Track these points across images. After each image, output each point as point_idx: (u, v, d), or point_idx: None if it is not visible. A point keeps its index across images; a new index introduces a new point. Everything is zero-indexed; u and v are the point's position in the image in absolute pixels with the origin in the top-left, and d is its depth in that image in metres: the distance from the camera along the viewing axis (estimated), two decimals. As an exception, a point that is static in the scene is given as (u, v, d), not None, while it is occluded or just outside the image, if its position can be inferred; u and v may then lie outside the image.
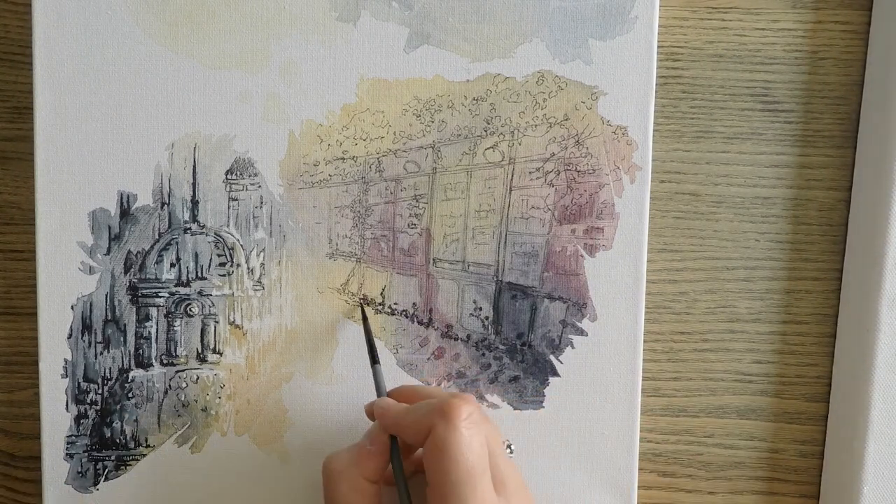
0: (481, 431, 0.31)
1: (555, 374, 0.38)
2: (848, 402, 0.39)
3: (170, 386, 0.37)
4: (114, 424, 0.37)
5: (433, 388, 0.37)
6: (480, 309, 0.37)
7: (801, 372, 0.40)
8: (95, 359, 0.37)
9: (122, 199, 0.36)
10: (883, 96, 0.37)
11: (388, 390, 0.36)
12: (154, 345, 0.37)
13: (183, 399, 0.37)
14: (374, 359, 0.36)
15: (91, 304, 0.36)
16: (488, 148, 0.37)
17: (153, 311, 0.37)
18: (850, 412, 0.38)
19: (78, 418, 0.37)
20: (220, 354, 0.37)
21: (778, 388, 0.40)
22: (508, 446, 0.36)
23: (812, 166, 0.40)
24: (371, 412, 0.35)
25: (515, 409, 0.38)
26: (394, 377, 0.37)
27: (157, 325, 0.37)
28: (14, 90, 0.38)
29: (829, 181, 0.40)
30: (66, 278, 0.36)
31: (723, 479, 0.41)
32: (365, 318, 0.37)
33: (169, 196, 0.37)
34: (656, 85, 0.37)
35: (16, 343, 0.39)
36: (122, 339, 0.37)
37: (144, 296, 0.37)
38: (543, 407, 0.38)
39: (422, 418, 0.31)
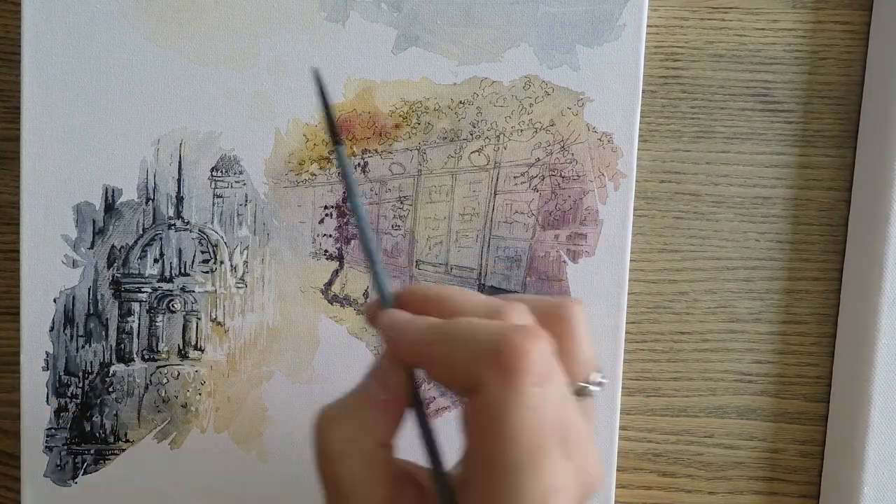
0: (554, 384, 0.21)
1: (535, 379, 0.38)
2: (848, 402, 0.39)
3: (150, 381, 0.37)
4: (94, 418, 0.37)
5: (463, 292, 0.24)
6: (462, 312, 0.37)
7: (801, 372, 0.40)
8: (77, 352, 0.37)
9: (106, 193, 0.36)
10: (883, 96, 0.37)
11: (392, 290, 0.25)
12: (136, 340, 0.37)
13: (163, 395, 0.37)
14: (335, 138, 0.26)
15: (74, 298, 0.37)
16: (474, 151, 0.37)
17: (135, 307, 0.37)
18: (850, 412, 0.39)
19: (58, 411, 0.37)
20: (202, 351, 0.37)
21: (778, 388, 0.40)
22: (598, 383, 0.25)
23: (812, 166, 0.40)
24: (374, 318, 0.24)
25: (495, 413, 0.38)
26: (374, 378, 0.37)
27: (140, 320, 0.37)
28: (12, 90, 0.38)
29: (829, 181, 0.40)
30: (49, 271, 0.36)
31: (723, 479, 0.41)
32: (322, 90, 0.27)
33: (154, 192, 0.37)
34: (656, 85, 0.37)
35: (16, 343, 0.39)
36: (103, 333, 0.37)
37: (127, 290, 0.37)
38: (523, 412, 0.38)
39: (466, 360, 0.21)
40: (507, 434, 0.20)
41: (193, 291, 0.37)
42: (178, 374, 0.37)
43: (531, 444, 0.21)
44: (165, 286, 0.37)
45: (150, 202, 0.37)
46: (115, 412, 0.37)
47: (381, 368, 0.24)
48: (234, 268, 0.37)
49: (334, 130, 0.26)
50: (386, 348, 0.24)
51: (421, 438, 0.23)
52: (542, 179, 0.37)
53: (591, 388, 0.24)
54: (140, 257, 0.37)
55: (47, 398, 0.37)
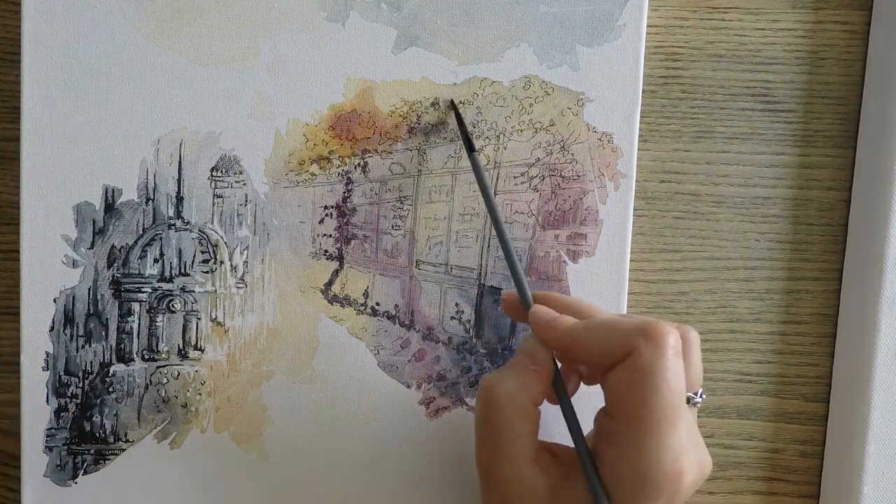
0: (682, 365, 0.28)
1: (535, 379, 0.38)
2: (848, 402, 0.39)
3: (150, 381, 0.37)
4: (94, 418, 0.37)
5: (590, 303, 0.33)
6: (462, 312, 0.37)
7: (801, 372, 0.40)
8: (77, 352, 0.37)
9: (106, 193, 0.36)
10: (883, 96, 0.38)
11: (532, 293, 0.32)
12: (136, 340, 0.37)
13: (163, 395, 0.37)
14: (469, 146, 0.34)
15: (74, 298, 0.37)
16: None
17: (135, 307, 0.37)
18: (850, 412, 0.39)
19: (58, 411, 0.37)
20: (202, 351, 0.37)
21: (778, 388, 0.40)
22: (700, 394, 0.31)
23: (812, 166, 0.40)
24: (513, 305, 0.33)
25: (495, 413, 0.38)
26: (374, 378, 0.37)
27: (140, 320, 0.37)
28: (13, 90, 0.38)
29: (829, 181, 0.40)
30: (49, 271, 0.36)
31: (723, 479, 0.41)
32: (455, 109, 0.36)
33: (154, 191, 0.37)
34: (656, 85, 0.37)
35: (16, 343, 0.39)
36: (103, 333, 0.37)
37: (127, 290, 0.37)
38: (523, 412, 0.38)
39: (616, 338, 0.28)
40: (655, 386, 0.27)
41: (193, 291, 0.37)
42: (178, 374, 0.37)
43: (672, 400, 0.27)
44: (165, 286, 0.37)
45: (150, 202, 0.37)
46: (115, 412, 0.37)
47: (529, 347, 0.31)
48: (234, 268, 0.37)
49: (468, 140, 0.35)
50: (534, 332, 0.31)
51: (561, 405, 0.30)
52: (542, 179, 0.37)
53: (696, 400, 0.31)
54: (140, 257, 0.37)
55: (47, 398, 0.37)
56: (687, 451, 0.28)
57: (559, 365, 0.32)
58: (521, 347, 0.31)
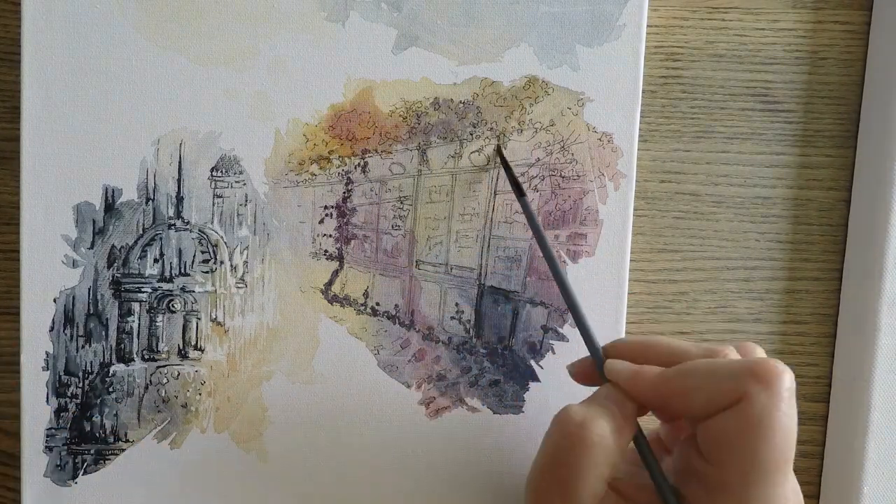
0: (795, 409, 0.26)
1: (535, 378, 0.38)
2: (848, 402, 0.39)
3: (150, 381, 0.37)
4: (94, 418, 0.37)
5: (668, 340, 0.30)
6: (462, 312, 0.37)
7: (801, 372, 0.40)
8: (77, 352, 0.37)
9: (106, 193, 0.36)
10: (883, 96, 0.38)
11: (601, 345, 0.30)
12: (136, 340, 0.37)
13: (163, 395, 0.37)
14: (520, 191, 0.34)
15: (74, 298, 0.36)
16: (474, 151, 0.37)
17: (135, 306, 0.37)
18: (850, 412, 0.39)
19: (58, 411, 0.37)
20: (202, 351, 0.37)
21: (778, 387, 0.40)
22: None
23: (812, 166, 0.40)
24: (585, 372, 0.31)
25: (495, 413, 0.38)
26: (374, 378, 0.37)
27: (140, 320, 0.37)
28: (13, 90, 0.38)
29: (829, 181, 0.40)
30: (49, 271, 0.36)
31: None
32: (502, 155, 0.36)
33: (154, 191, 0.37)
34: (656, 85, 0.37)
35: (16, 343, 0.39)
36: (103, 333, 0.37)
37: (127, 290, 0.37)
38: (523, 412, 0.38)
39: (722, 384, 0.26)
40: (768, 435, 0.25)
41: (193, 291, 0.37)
42: (178, 374, 0.37)
43: (784, 448, 0.25)
44: (165, 286, 0.37)
45: (150, 202, 0.37)
46: (115, 412, 0.37)
47: (616, 396, 0.29)
48: (234, 268, 0.37)
49: (518, 186, 0.35)
50: (614, 386, 0.29)
51: (646, 463, 0.28)
52: (542, 179, 0.37)
53: None
54: (140, 257, 0.37)
55: (47, 398, 0.37)
56: (790, 499, 0.26)
57: None
58: (606, 392, 0.29)
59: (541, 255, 0.37)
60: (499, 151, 0.36)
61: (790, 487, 0.26)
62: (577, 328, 0.32)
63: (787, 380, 0.26)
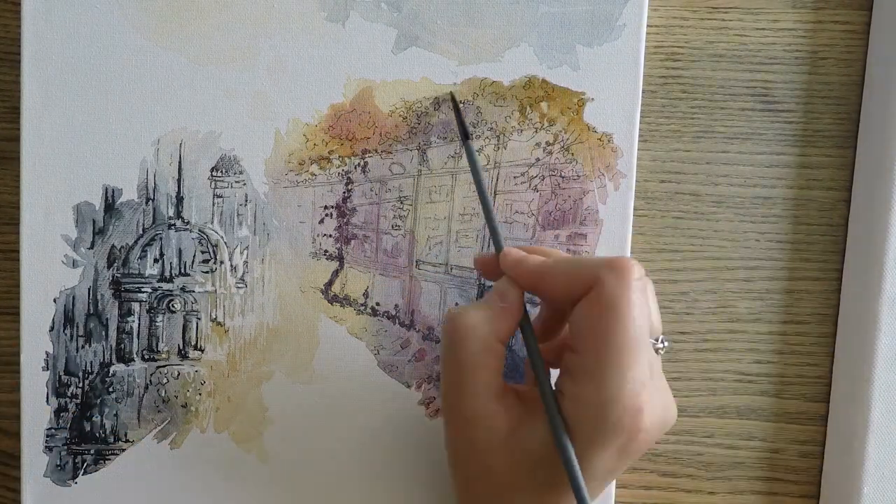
0: (647, 300, 0.28)
1: (535, 379, 0.38)
2: (848, 402, 0.39)
3: (150, 381, 0.37)
4: (94, 418, 0.37)
5: (553, 250, 0.33)
6: (462, 312, 0.37)
7: (801, 372, 0.40)
8: (77, 352, 0.37)
9: (106, 193, 0.36)
10: (883, 96, 0.38)
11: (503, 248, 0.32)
12: (136, 340, 0.37)
13: (163, 395, 0.37)
14: (465, 134, 0.34)
15: (74, 298, 0.36)
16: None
17: (135, 306, 0.37)
18: (850, 412, 0.39)
19: (58, 411, 0.37)
20: (202, 351, 0.37)
21: (778, 388, 0.40)
22: (662, 340, 0.31)
23: (812, 166, 0.40)
24: (487, 263, 0.32)
25: (495, 413, 0.38)
26: (374, 378, 0.37)
27: (140, 320, 0.37)
28: (13, 90, 0.38)
29: (829, 181, 0.40)
30: (49, 271, 0.36)
31: (723, 479, 0.41)
32: (453, 99, 0.36)
33: (154, 191, 0.37)
34: (656, 85, 0.37)
35: (16, 343, 0.39)
36: (103, 333, 0.37)
37: (127, 290, 0.37)
38: (523, 412, 0.38)
39: (581, 271, 0.28)
40: (619, 318, 0.27)
41: (193, 291, 0.37)
42: (178, 374, 0.37)
43: (635, 333, 0.27)
44: (165, 286, 0.37)
45: (150, 202, 0.37)
46: (114, 412, 0.37)
47: (499, 286, 0.31)
48: (234, 268, 0.37)
49: (464, 128, 0.35)
50: (505, 276, 0.31)
51: (526, 343, 0.30)
52: (542, 179, 0.37)
53: (658, 346, 0.30)
54: (140, 257, 0.37)
55: (47, 398, 0.37)
56: (647, 387, 0.27)
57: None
58: (492, 288, 0.31)
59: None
60: (451, 97, 0.36)
61: (645, 372, 0.27)
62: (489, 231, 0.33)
63: (636, 270, 0.28)
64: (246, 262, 0.37)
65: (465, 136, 0.35)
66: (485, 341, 0.29)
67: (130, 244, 0.37)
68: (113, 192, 0.36)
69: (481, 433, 0.29)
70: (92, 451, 0.37)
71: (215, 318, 0.37)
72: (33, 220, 0.36)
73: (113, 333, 0.37)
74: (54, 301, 0.36)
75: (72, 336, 0.37)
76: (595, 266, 0.28)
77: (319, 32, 0.36)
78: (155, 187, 0.36)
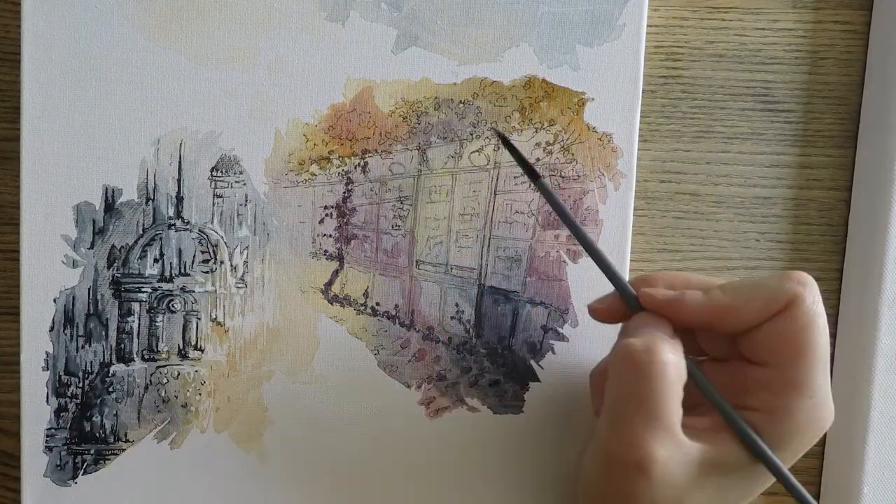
0: None
1: (535, 379, 0.38)
2: (848, 402, 0.39)
3: (150, 381, 0.37)
4: (94, 418, 0.37)
5: (687, 273, 0.33)
6: (462, 312, 0.37)
7: (801, 372, 0.40)
8: (77, 352, 0.37)
9: (106, 193, 0.36)
10: (883, 96, 0.38)
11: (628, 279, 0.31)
12: (136, 340, 0.37)
13: (163, 395, 0.37)
14: (533, 174, 0.32)
15: (74, 298, 0.36)
16: (474, 151, 0.37)
17: (135, 306, 0.37)
18: (850, 412, 0.39)
19: (58, 411, 0.37)
20: (202, 351, 0.37)
21: (778, 387, 0.40)
22: None
23: (812, 166, 0.40)
24: (608, 310, 0.31)
25: (495, 413, 0.38)
26: (374, 378, 0.37)
27: (140, 320, 0.37)
28: (12, 90, 0.38)
29: (829, 181, 0.40)
30: (49, 271, 0.36)
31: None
32: (506, 141, 0.34)
33: (154, 191, 0.37)
34: (656, 85, 0.37)
35: (16, 343, 0.39)
36: (103, 333, 0.37)
37: (127, 290, 0.37)
38: (523, 412, 0.38)
39: (772, 292, 0.29)
40: (820, 332, 0.29)
41: (193, 291, 0.37)
42: (178, 374, 0.37)
43: (826, 345, 0.29)
44: (165, 286, 0.37)
45: (150, 202, 0.37)
46: (115, 412, 0.37)
47: (657, 322, 0.30)
48: (234, 268, 0.37)
49: (530, 168, 0.32)
50: (647, 313, 0.30)
51: (693, 377, 0.29)
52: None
53: None
54: (140, 257, 0.37)
55: (47, 398, 0.37)
56: (829, 391, 0.29)
57: None
58: (641, 321, 0.30)
59: (542, 255, 0.37)
60: (503, 139, 0.34)
61: (828, 382, 0.29)
62: (600, 270, 0.32)
63: (815, 283, 0.29)
64: (246, 262, 0.37)
65: (534, 175, 0.32)
66: (682, 375, 0.28)
67: (130, 244, 0.37)
68: (113, 192, 0.36)
69: (679, 469, 0.28)
70: (92, 451, 0.37)
71: (215, 318, 0.37)
72: (33, 220, 0.36)
73: (113, 333, 0.37)
74: (54, 301, 0.36)
75: (72, 336, 0.37)
76: (785, 284, 0.29)
77: (319, 32, 0.36)
78: (155, 187, 0.36)
